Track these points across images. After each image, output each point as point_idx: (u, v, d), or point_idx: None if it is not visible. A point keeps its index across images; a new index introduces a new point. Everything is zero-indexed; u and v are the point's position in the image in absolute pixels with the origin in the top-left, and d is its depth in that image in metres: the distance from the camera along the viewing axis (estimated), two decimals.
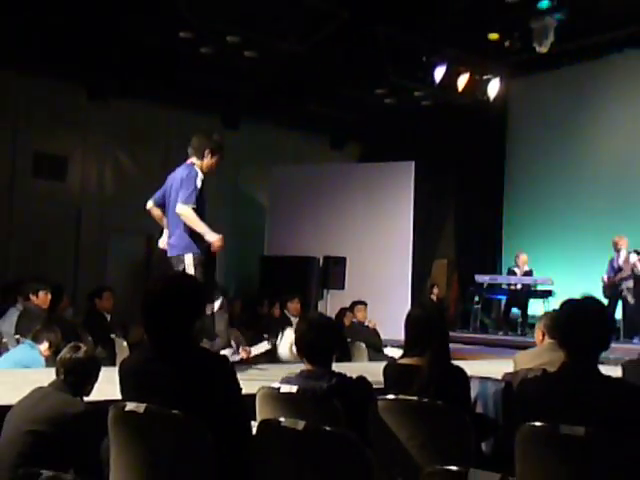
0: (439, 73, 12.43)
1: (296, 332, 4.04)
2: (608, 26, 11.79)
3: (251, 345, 7.70)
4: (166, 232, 6.09)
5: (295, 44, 11.07)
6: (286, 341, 6.09)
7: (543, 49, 11.16)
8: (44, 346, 6.07)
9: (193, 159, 6.03)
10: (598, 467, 2.79)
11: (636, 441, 2.82)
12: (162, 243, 6.15)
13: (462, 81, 12.64)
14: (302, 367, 3.90)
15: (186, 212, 5.77)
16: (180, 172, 5.97)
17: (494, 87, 12.90)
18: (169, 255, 6.00)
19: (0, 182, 12.17)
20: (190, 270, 5.78)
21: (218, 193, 14.15)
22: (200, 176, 5.91)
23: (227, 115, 13.96)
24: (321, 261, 12.49)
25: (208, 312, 5.88)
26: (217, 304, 6.04)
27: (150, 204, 6.16)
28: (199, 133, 6.30)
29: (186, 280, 3.69)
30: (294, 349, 5.38)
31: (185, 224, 5.81)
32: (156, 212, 6.15)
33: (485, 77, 12.84)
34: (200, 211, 5.85)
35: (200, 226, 5.78)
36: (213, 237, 5.78)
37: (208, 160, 6.02)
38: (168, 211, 5.99)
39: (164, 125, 13.28)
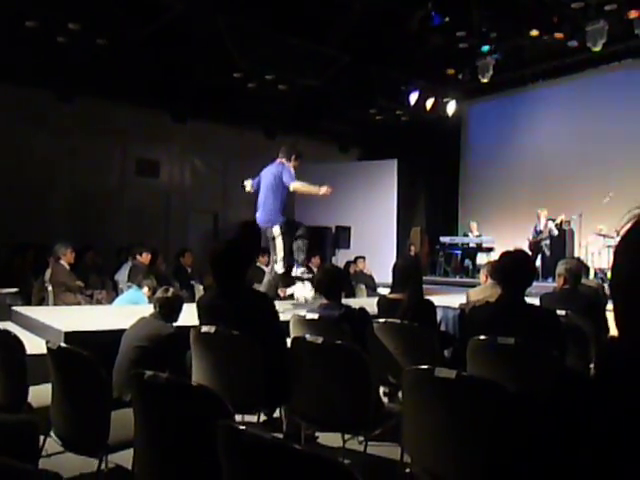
0: (413, 98, 12.29)
1: (317, 278, 4.04)
2: (529, 64, 11.64)
3: (286, 287, 7.70)
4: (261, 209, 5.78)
5: (313, 79, 10.96)
6: (299, 291, 5.97)
7: (485, 80, 11.02)
8: (145, 289, 6.12)
9: (283, 160, 5.79)
10: (522, 364, 2.80)
11: (547, 346, 2.81)
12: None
13: (429, 103, 12.48)
14: (321, 301, 3.91)
15: (297, 185, 5.63)
16: (275, 168, 5.75)
17: (452, 107, 12.73)
18: (264, 225, 5.74)
19: (114, 179, 12.21)
20: (279, 238, 5.64)
21: None
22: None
23: (267, 130, 13.89)
24: (334, 229, 12.48)
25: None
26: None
27: (250, 188, 5.90)
28: (288, 143, 6.07)
29: (238, 243, 3.69)
30: (303, 298, 5.40)
31: (276, 203, 5.62)
32: (251, 191, 5.91)
33: (445, 100, 12.66)
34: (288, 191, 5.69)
35: (310, 188, 5.69)
36: (322, 189, 5.68)
37: (293, 162, 5.82)
38: (264, 194, 5.72)
39: (223, 138, 13.21)
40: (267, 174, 5.80)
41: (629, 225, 0.73)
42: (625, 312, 0.71)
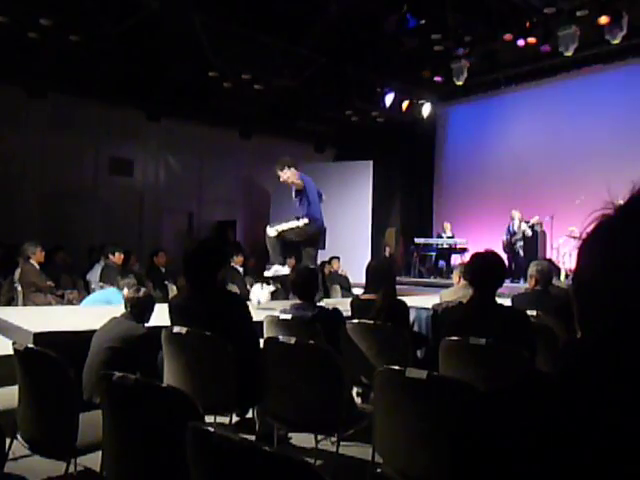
0: (389, 99, 12.36)
1: (291, 279, 4.03)
2: (502, 67, 11.76)
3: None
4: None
5: (289, 80, 10.95)
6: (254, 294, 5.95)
7: (459, 82, 11.12)
8: (126, 290, 5.94)
9: None
10: (493, 364, 2.82)
11: (518, 347, 2.84)
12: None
13: (405, 105, 12.57)
14: (294, 301, 3.91)
15: None
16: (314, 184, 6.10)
17: (427, 109, 12.84)
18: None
19: (87, 178, 12.06)
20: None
21: (237, 184, 14.12)
22: None
23: (243, 130, 13.85)
24: None
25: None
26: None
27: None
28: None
29: (210, 244, 3.64)
30: (257, 300, 5.37)
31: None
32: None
33: (420, 102, 12.76)
34: None
35: None
36: None
37: None
38: (318, 203, 6.10)
39: (198, 137, 13.14)
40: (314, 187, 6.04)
41: (591, 227, 0.74)
42: (585, 312, 0.72)
